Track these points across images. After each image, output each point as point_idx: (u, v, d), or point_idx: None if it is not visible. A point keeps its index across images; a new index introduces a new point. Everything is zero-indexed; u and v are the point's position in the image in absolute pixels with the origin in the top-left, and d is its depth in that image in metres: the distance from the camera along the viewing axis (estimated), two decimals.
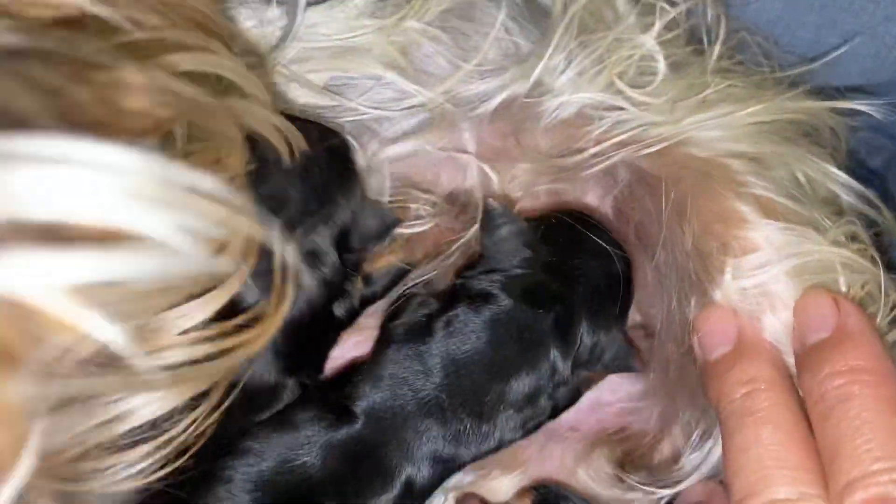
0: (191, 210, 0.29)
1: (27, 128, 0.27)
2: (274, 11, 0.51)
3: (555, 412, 0.55)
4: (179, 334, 0.37)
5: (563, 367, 0.53)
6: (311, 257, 0.51)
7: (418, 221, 0.59)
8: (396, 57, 0.54)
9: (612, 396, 0.62)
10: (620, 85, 0.56)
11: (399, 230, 0.57)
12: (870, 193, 0.61)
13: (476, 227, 0.58)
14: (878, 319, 0.52)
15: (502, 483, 0.60)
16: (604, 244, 0.56)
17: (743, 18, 0.69)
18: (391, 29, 0.53)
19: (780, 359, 0.50)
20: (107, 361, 0.31)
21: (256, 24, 0.51)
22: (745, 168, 0.55)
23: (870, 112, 0.61)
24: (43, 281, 0.26)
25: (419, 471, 0.51)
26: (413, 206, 0.59)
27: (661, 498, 0.57)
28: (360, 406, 0.51)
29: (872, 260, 0.54)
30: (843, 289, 0.51)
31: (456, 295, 0.54)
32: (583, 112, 0.57)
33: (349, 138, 0.55)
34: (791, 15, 0.70)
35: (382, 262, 0.57)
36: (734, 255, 0.52)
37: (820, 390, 0.45)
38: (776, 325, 0.51)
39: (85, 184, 0.26)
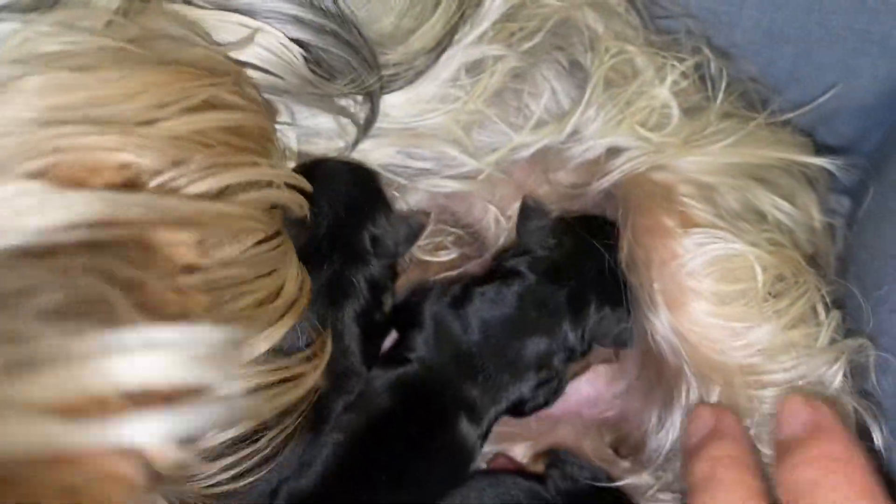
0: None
1: (115, 321, 0.35)
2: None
3: (561, 384, 0.64)
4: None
5: (574, 336, 0.63)
6: (360, 259, 0.61)
7: (444, 251, 0.69)
8: (459, 135, 0.62)
9: (607, 392, 0.71)
10: (639, 129, 0.65)
11: (426, 257, 0.68)
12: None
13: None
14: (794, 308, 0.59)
15: (518, 450, 0.71)
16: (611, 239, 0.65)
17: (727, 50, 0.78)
18: (458, 111, 0.61)
19: (749, 442, 0.55)
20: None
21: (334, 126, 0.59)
22: (689, 191, 0.62)
23: (832, 170, 0.69)
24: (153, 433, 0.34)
25: (467, 412, 0.60)
26: (439, 238, 0.68)
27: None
28: (413, 355, 0.61)
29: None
30: (760, 280, 0.59)
31: (492, 272, 0.65)
32: (606, 153, 0.66)
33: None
34: (770, 47, 0.79)
35: (402, 280, 0.66)
36: (658, 265, 0.60)
37: (793, 476, 0.49)
38: (709, 311, 0.59)
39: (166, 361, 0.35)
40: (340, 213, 0.61)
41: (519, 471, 0.68)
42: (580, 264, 0.64)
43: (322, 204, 0.60)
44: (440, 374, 0.60)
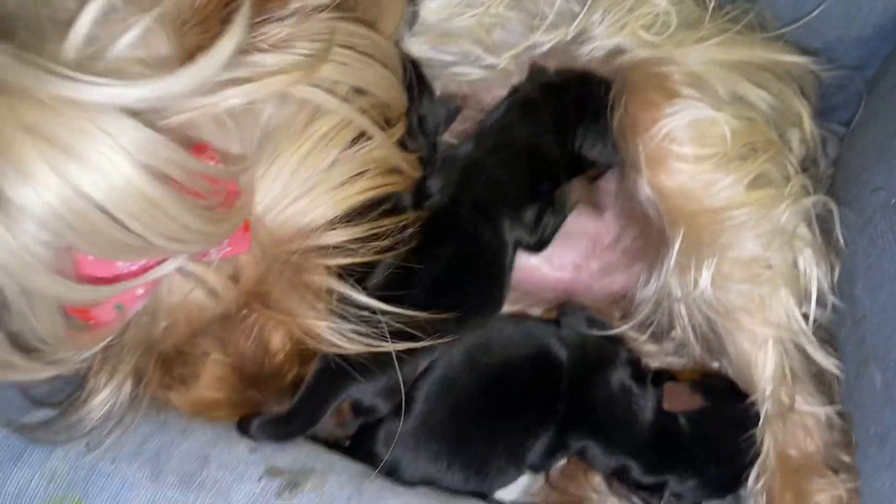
0: None
1: None
2: None
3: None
4: None
5: (554, 137, 0.72)
6: (410, 135, 0.68)
7: None
8: (482, 35, 0.72)
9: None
10: (641, 33, 0.73)
11: (454, 141, 0.77)
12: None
13: None
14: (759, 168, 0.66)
15: (535, 311, 0.79)
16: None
17: None
18: (482, 15, 0.71)
19: None
20: None
21: None
22: (681, 77, 0.69)
23: (817, 71, 0.76)
24: None
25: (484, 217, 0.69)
26: (466, 125, 0.78)
27: None
28: (433, 189, 0.71)
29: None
30: (729, 140, 0.66)
31: None
32: (611, 52, 0.75)
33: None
34: None
35: None
36: (642, 131, 0.68)
37: None
38: (683, 168, 0.67)
39: None
40: None
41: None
42: (570, 88, 0.74)
43: None
44: (455, 196, 0.70)
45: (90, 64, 0.45)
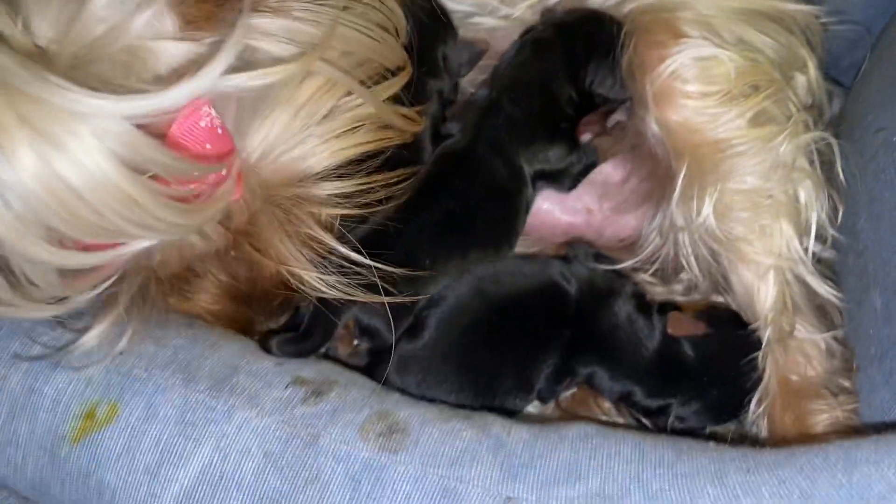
0: None
1: None
2: None
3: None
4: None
5: (567, 71, 0.75)
6: (435, 71, 0.74)
7: None
8: None
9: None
10: None
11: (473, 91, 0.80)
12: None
13: None
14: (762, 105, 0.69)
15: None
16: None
17: None
18: None
19: None
20: None
21: None
22: (690, 19, 0.72)
23: (824, 21, 0.79)
24: None
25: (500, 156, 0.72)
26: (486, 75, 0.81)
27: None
28: (454, 129, 0.74)
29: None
30: (733, 77, 0.69)
31: None
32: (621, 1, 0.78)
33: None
34: None
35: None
36: (649, 70, 0.71)
37: None
38: (688, 104, 0.70)
39: None
40: (424, 24, 0.73)
41: None
42: (581, 26, 0.77)
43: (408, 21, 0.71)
44: (473, 136, 0.73)
45: (88, 64, 0.50)
